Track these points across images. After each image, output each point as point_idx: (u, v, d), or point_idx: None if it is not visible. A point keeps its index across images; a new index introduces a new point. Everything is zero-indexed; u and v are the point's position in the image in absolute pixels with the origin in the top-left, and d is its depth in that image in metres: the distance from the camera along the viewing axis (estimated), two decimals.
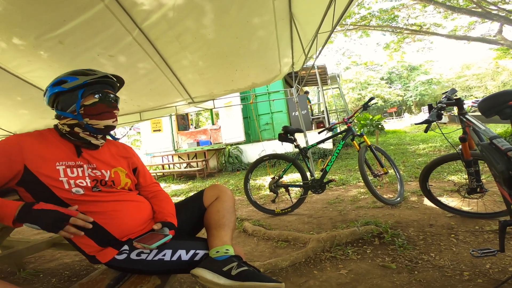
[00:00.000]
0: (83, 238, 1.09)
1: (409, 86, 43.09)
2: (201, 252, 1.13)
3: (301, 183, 3.24)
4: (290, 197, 3.43)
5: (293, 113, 9.47)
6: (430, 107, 2.02)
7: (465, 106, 1.98)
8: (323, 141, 3.25)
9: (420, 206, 2.77)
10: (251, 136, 10.02)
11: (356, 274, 1.71)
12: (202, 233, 1.39)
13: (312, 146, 3.38)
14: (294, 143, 3.27)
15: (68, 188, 1.06)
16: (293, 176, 5.70)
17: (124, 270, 1.15)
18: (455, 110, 2.00)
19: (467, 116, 1.88)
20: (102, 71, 1.20)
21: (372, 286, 1.57)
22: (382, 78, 43.67)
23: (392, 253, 1.91)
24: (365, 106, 3.15)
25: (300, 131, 3.44)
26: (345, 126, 3.22)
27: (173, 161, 10.41)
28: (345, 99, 19.92)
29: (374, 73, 43.07)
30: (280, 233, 2.52)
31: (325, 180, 3.13)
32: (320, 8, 2.75)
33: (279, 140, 3.28)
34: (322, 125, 10.84)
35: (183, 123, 11.66)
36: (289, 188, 3.35)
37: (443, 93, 2.12)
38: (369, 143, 3.06)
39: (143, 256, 1.10)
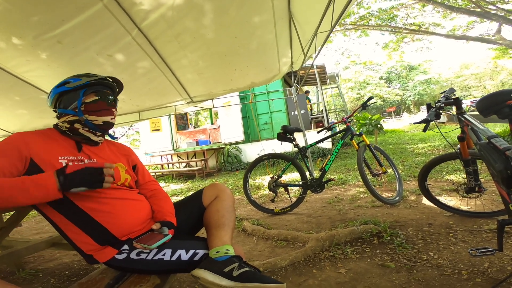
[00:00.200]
0: (82, 236, 1.09)
1: (408, 86, 43.16)
2: (200, 252, 1.13)
3: (300, 183, 3.24)
4: (289, 197, 3.44)
5: (292, 113, 9.48)
6: (429, 107, 2.02)
7: (463, 106, 1.99)
8: (322, 140, 3.26)
9: (418, 205, 2.78)
10: (250, 135, 10.02)
11: (355, 273, 1.72)
12: (201, 233, 1.39)
13: (311, 145, 3.39)
14: (293, 142, 3.27)
15: None
16: (292, 176, 5.71)
17: (124, 270, 1.16)
18: (454, 110, 2.01)
19: (465, 115, 1.89)
20: (103, 75, 1.27)
21: (371, 285, 1.57)
22: (381, 78, 43.72)
23: (391, 252, 1.92)
24: (364, 106, 3.15)
25: (299, 130, 3.44)
26: (344, 126, 3.22)
27: (172, 160, 10.41)
28: (344, 98, 19.93)
29: (373, 73, 43.13)
30: (279, 233, 2.52)
31: (324, 180, 3.14)
32: (319, 7, 2.75)
33: (278, 139, 3.28)
34: (321, 124, 10.85)
35: (182, 122, 11.64)
36: (288, 187, 3.35)
37: (441, 93, 2.13)
38: (368, 143, 3.06)
39: (143, 256, 1.10)
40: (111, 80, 1.30)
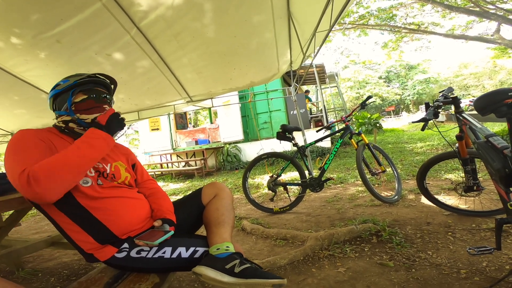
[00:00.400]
0: (82, 235, 1.10)
1: (407, 85, 43.20)
2: (201, 250, 1.14)
3: (300, 182, 3.25)
4: (289, 196, 3.44)
5: (292, 112, 9.48)
6: (427, 106, 2.03)
7: (462, 105, 1.99)
8: (321, 139, 3.26)
9: (417, 204, 2.79)
10: (250, 134, 10.02)
11: (354, 272, 1.72)
12: (200, 231, 1.40)
13: (311, 144, 3.39)
14: (293, 141, 3.27)
15: None
16: (292, 175, 5.71)
17: (123, 268, 1.16)
18: (452, 109, 2.02)
19: (463, 114, 1.89)
20: (93, 73, 1.28)
21: (370, 284, 1.57)
22: (380, 77, 43.75)
23: (390, 251, 1.92)
24: (363, 105, 3.16)
25: (298, 129, 3.45)
26: (343, 125, 3.23)
27: (171, 160, 10.40)
28: (343, 97, 19.94)
29: (372, 72, 43.16)
30: (279, 231, 2.52)
31: (323, 179, 3.14)
32: (318, 7, 2.75)
33: (278, 138, 3.28)
34: (320, 123, 10.86)
35: (181, 122, 11.63)
36: (287, 186, 3.36)
37: (440, 92, 2.13)
38: (367, 142, 3.07)
39: (143, 254, 1.11)
40: (101, 77, 1.29)
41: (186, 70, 3.78)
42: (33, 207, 1.25)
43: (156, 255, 1.10)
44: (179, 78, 3.94)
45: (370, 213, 2.72)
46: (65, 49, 2.86)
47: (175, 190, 6.39)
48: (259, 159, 3.46)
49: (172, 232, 1.15)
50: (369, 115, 12.57)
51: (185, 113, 11.98)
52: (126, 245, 1.13)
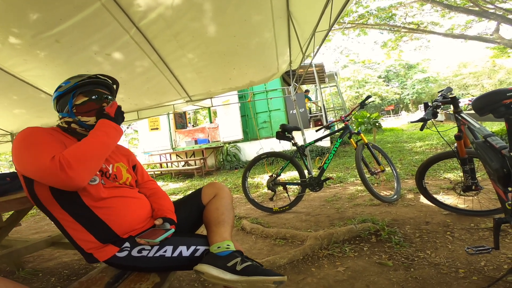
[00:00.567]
0: (83, 234, 1.11)
1: (406, 84, 43.21)
2: (201, 248, 1.14)
3: (299, 181, 3.25)
4: (288, 195, 3.45)
5: (291, 111, 9.48)
6: (426, 106, 2.04)
7: (461, 104, 2.00)
8: (320, 139, 3.26)
9: (416, 204, 2.80)
10: (249, 134, 10.02)
11: (353, 271, 1.73)
12: (200, 231, 1.40)
13: (310, 144, 3.39)
14: (292, 141, 3.28)
15: None
16: (291, 174, 5.72)
17: (124, 268, 1.16)
18: (451, 109, 2.02)
19: (462, 114, 1.90)
20: (94, 74, 1.29)
21: (369, 283, 1.58)
22: (379, 76, 43.75)
23: (389, 250, 1.93)
24: (363, 104, 3.16)
25: (297, 129, 3.45)
26: (343, 124, 3.23)
27: (171, 159, 10.40)
28: (343, 97, 19.94)
29: (371, 71, 43.15)
30: (278, 231, 2.53)
31: (322, 178, 3.15)
32: (318, 6, 2.75)
33: (277, 138, 3.28)
34: (319, 123, 10.86)
35: (180, 121, 11.63)
36: (287, 186, 3.36)
37: (439, 92, 2.14)
38: (366, 141, 3.07)
39: (144, 253, 1.12)
40: (102, 78, 1.30)
41: (185, 70, 3.78)
42: (33, 207, 1.26)
43: (157, 254, 1.11)
44: (178, 77, 3.95)
45: (369, 213, 2.73)
46: (65, 49, 2.86)
47: (174, 189, 6.39)
48: (258, 158, 3.46)
49: (173, 230, 1.17)
50: (368, 115, 12.58)
51: (184, 112, 11.97)
52: (127, 244, 1.14)
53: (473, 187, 2.17)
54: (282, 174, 3.45)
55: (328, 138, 8.52)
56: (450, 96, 2.02)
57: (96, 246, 1.12)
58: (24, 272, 2.35)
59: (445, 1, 12.55)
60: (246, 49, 3.52)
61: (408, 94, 42.21)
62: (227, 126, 9.97)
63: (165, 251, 1.12)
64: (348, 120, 3.24)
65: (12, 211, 1.92)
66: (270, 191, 3.47)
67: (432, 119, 1.95)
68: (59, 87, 1.25)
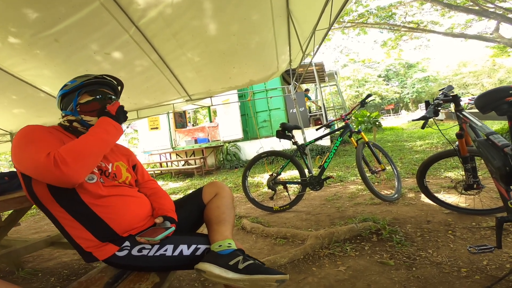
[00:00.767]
0: (82, 232, 1.10)
1: (406, 84, 43.21)
2: (202, 247, 1.13)
3: (299, 180, 3.24)
4: (288, 194, 3.44)
5: (291, 110, 9.47)
6: (427, 104, 2.02)
7: (461, 103, 1.99)
8: (321, 137, 3.25)
9: (417, 203, 2.79)
10: (249, 133, 10.01)
11: (355, 271, 1.72)
12: (201, 231, 1.39)
13: (310, 142, 3.38)
14: (292, 140, 3.27)
15: None
16: (291, 173, 5.71)
17: (124, 267, 1.15)
18: (452, 107, 2.01)
19: (464, 112, 1.89)
20: (100, 74, 1.30)
21: (370, 282, 1.57)
22: (379, 76, 43.74)
23: (390, 249, 1.92)
24: (363, 103, 3.15)
25: (298, 127, 3.44)
26: (343, 123, 3.22)
27: (170, 159, 10.39)
28: (343, 96, 19.92)
29: (371, 71, 43.14)
30: (279, 230, 2.52)
31: (323, 177, 3.14)
32: (318, 5, 2.74)
33: (277, 137, 3.27)
34: (319, 122, 10.85)
35: (180, 120, 11.62)
36: (287, 185, 3.35)
37: (440, 90, 2.13)
38: (367, 140, 3.07)
39: (145, 252, 1.11)
40: (108, 78, 1.31)
41: (185, 69, 3.77)
42: (32, 207, 1.25)
43: (158, 253, 1.10)
44: (178, 77, 3.93)
45: (370, 212, 2.72)
46: (64, 48, 2.85)
47: (174, 189, 6.39)
48: (258, 157, 3.45)
49: (173, 228, 1.16)
50: (368, 114, 12.58)
51: (184, 112, 11.96)
52: (127, 243, 1.13)
53: (475, 185, 2.16)
54: (282, 173, 3.43)
55: (328, 137, 8.52)
56: (452, 94, 2.01)
57: (95, 245, 1.11)
58: (24, 272, 2.34)
59: (445, 0, 12.53)
60: (246, 48, 3.51)
61: (408, 93, 42.21)
62: (227, 125, 9.96)
63: (165, 250, 1.11)
64: (348, 119, 3.23)
65: (11, 211, 1.91)
66: (270, 190, 3.46)
67: (434, 118, 1.94)
68: (65, 85, 1.26)
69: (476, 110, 1.49)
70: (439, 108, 1.96)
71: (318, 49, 3.56)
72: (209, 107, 11.88)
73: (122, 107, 1.24)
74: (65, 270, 2.34)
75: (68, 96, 1.25)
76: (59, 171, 0.93)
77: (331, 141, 9.13)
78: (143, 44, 3.02)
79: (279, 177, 3.38)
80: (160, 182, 8.27)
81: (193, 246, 1.13)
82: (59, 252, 2.79)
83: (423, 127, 2.00)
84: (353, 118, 11.86)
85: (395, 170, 3.21)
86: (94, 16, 2.48)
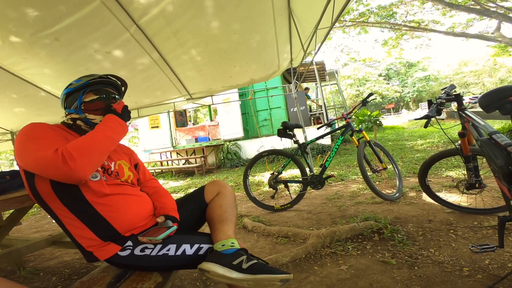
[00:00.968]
0: (84, 231, 1.09)
1: (407, 83, 43.12)
2: (205, 246, 1.13)
3: (300, 179, 3.24)
4: (290, 193, 3.44)
5: (292, 109, 9.47)
6: (430, 103, 2.02)
7: (463, 102, 1.98)
8: (322, 136, 3.25)
9: (419, 202, 2.78)
10: (250, 132, 10.01)
11: (357, 270, 1.72)
12: (203, 230, 1.39)
13: (311, 141, 3.38)
14: (293, 138, 3.26)
15: None
16: (292, 172, 5.71)
17: (127, 267, 1.15)
18: (454, 106, 2.01)
19: (466, 111, 1.88)
20: (102, 73, 1.33)
21: (372, 281, 1.57)
22: (380, 75, 43.66)
23: (392, 248, 1.92)
24: (364, 102, 3.15)
25: (299, 126, 3.44)
26: (344, 122, 3.21)
27: (171, 157, 10.39)
28: (343, 95, 19.91)
29: (372, 70, 43.05)
30: (280, 229, 2.52)
31: (324, 176, 3.13)
32: (319, 4, 2.73)
33: (278, 135, 3.27)
34: (319, 121, 10.85)
35: (181, 119, 11.61)
36: (288, 184, 3.35)
37: (442, 89, 2.12)
38: (368, 139, 3.06)
39: (147, 252, 1.10)
40: (113, 79, 1.33)
41: (186, 68, 3.76)
42: (34, 205, 1.25)
43: (161, 253, 1.10)
44: (179, 75, 3.93)
45: (371, 211, 2.72)
46: (64, 47, 2.84)
47: (175, 188, 6.39)
48: (259, 156, 3.45)
49: (175, 227, 1.16)
50: (369, 113, 12.56)
51: (184, 110, 11.96)
52: (130, 243, 1.12)
53: (477, 185, 2.15)
54: (283, 172, 3.43)
55: (329, 136, 8.51)
56: (454, 93, 2.00)
57: (96, 244, 1.10)
58: (25, 271, 2.34)
59: (446, 0, 12.51)
60: (246, 46, 3.50)
61: (408, 92, 42.14)
62: (228, 124, 9.96)
63: (168, 250, 1.10)
64: (349, 118, 3.22)
65: (12, 210, 1.90)
66: (271, 189, 3.46)
67: (436, 117, 1.94)
68: (70, 84, 1.27)
69: (477, 109, 1.48)
70: (442, 107, 1.96)
71: (319, 47, 3.55)
72: (209, 105, 11.88)
73: (126, 106, 1.26)
74: (67, 270, 2.34)
75: (72, 95, 1.26)
76: (67, 167, 0.93)
77: (332, 140, 9.12)
78: (143, 42, 3.01)
79: (280, 176, 3.38)
80: (160, 181, 8.25)
81: (196, 246, 1.12)
82: (61, 251, 2.79)
83: (426, 126, 1.99)
84: (353, 117, 11.85)
85: (396, 169, 3.21)
86: (95, 15, 2.47)
